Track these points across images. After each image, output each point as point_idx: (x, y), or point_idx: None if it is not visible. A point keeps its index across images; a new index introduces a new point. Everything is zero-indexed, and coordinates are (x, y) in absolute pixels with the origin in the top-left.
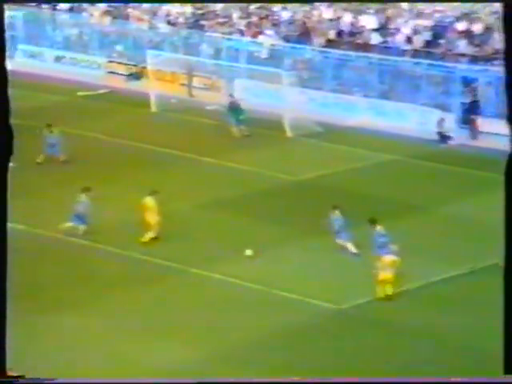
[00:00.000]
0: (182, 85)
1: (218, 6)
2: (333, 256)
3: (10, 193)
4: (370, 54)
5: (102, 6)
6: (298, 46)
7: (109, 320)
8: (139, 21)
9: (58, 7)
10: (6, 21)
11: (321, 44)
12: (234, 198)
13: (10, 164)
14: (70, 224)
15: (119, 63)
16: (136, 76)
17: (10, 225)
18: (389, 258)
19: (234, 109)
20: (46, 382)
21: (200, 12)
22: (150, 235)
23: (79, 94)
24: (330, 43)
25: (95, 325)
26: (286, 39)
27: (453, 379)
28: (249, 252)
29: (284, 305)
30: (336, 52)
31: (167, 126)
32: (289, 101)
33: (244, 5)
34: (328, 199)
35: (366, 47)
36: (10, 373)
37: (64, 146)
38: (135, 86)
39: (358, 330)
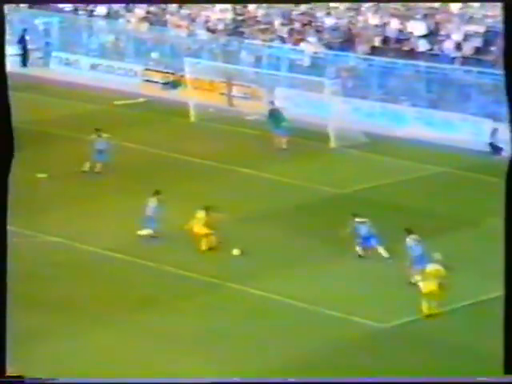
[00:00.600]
0: (222, 94)
1: (260, 12)
2: (377, 272)
3: (45, 204)
4: (417, 62)
5: (140, 12)
6: (342, 53)
7: (146, 335)
8: (177, 27)
9: (94, 13)
10: (42, 27)
11: (365, 51)
12: (275, 211)
13: (42, 175)
14: (148, 231)
15: (156, 71)
16: (173, 84)
17: (47, 238)
18: (431, 268)
19: (275, 116)
20: (46, 382)
21: (240, 18)
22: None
23: (116, 102)
24: (375, 50)
25: (132, 340)
26: (329, 46)
27: (453, 379)
28: (236, 252)
29: (326, 322)
30: (382, 60)
31: (206, 137)
32: (332, 110)
33: (286, 11)
34: (373, 213)
35: (414, 54)
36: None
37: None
38: (173, 94)
39: (402, 348)
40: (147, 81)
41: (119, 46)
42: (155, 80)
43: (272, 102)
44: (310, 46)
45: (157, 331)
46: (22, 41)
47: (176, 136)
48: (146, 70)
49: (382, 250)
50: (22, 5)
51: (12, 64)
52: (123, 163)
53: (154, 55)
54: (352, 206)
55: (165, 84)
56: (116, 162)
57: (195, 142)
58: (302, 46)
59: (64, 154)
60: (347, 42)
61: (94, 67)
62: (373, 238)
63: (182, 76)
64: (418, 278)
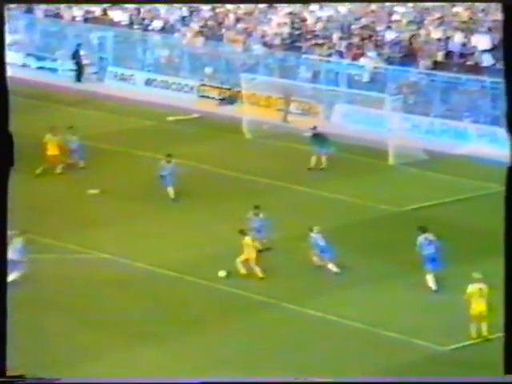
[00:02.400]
0: (279, 110)
1: (318, 26)
2: (439, 293)
3: (96, 221)
4: (481, 77)
5: (195, 26)
6: (403, 68)
7: (198, 355)
8: (233, 42)
9: (149, 27)
10: (96, 42)
11: (428, 66)
12: (331, 229)
13: (93, 191)
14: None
15: (212, 86)
16: (229, 100)
17: (99, 255)
18: (473, 288)
19: (318, 140)
20: (46, 382)
21: (298, 32)
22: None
23: (168, 118)
24: (437, 65)
25: (182, 359)
26: (390, 61)
27: (453, 379)
28: (222, 273)
29: (385, 344)
30: (444, 75)
31: (260, 153)
32: (392, 127)
33: (345, 25)
34: (431, 232)
35: (478, 69)
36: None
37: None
38: (228, 110)
39: (461, 373)
40: (203, 96)
41: (174, 60)
42: (211, 96)
43: (314, 128)
44: (370, 61)
45: (208, 350)
46: (76, 56)
47: (230, 153)
48: (202, 85)
49: (431, 279)
50: (77, 18)
51: (67, 79)
52: (175, 180)
53: (209, 70)
54: (412, 224)
55: (221, 100)
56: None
57: (249, 158)
58: (362, 60)
59: (116, 170)
60: (408, 56)
61: (148, 82)
62: (436, 261)
63: (238, 91)
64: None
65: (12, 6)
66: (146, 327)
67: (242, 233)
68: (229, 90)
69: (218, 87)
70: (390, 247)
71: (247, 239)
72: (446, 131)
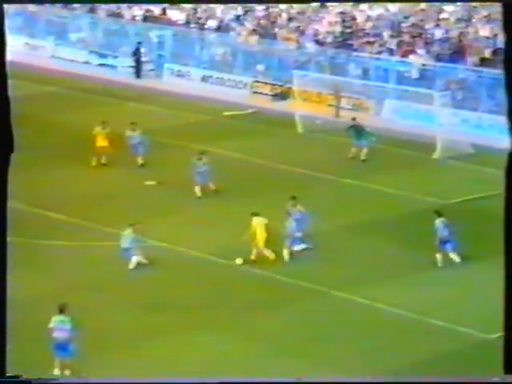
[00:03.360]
0: (330, 105)
1: (368, 25)
2: (483, 283)
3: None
4: None
5: (249, 25)
6: (451, 65)
7: (248, 339)
8: (286, 40)
9: (206, 26)
10: (155, 40)
11: (475, 63)
12: (378, 221)
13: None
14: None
15: (265, 83)
16: (282, 96)
17: (155, 243)
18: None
19: (356, 131)
20: (46, 381)
21: (349, 31)
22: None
23: (224, 113)
24: (485, 62)
25: (234, 343)
26: (438, 58)
27: (453, 379)
28: (239, 261)
29: (430, 332)
30: (491, 71)
31: (312, 147)
32: (440, 122)
33: (395, 23)
34: (478, 224)
35: None
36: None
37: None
38: (281, 106)
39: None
40: (256, 92)
41: (229, 58)
42: (264, 92)
43: (353, 119)
44: (419, 58)
45: (259, 335)
46: (136, 53)
47: (283, 147)
48: (255, 81)
49: (454, 256)
50: (137, 18)
51: (126, 75)
52: (230, 173)
53: (261, 67)
54: (458, 217)
55: (274, 96)
56: (223, 172)
57: (302, 152)
58: (411, 58)
59: (173, 163)
60: (457, 53)
61: (205, 79)
62: (450, 242)
63: (290, 88)
64: (438, 257)
65: (75, 5)
66: (200, 312)
67: (254, 214)
68: (281, 86)
69: (270, 83)
70: (435, 239)
71: (259, 220)
72: (493, 126)
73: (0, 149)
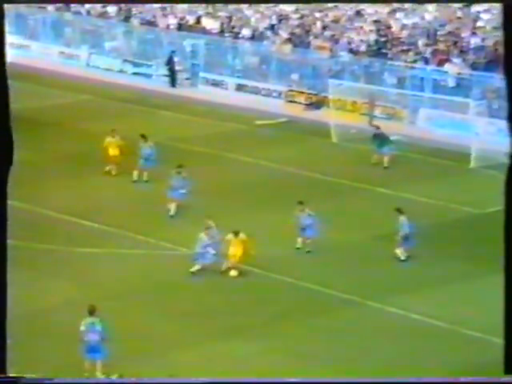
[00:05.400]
0: (363, 114)
1: (403, 33)
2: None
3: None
4: None
5: (283, 34)
6: (487, 73)
7: (279, 349)
8: (320, 49)
9: (240, 35)
10: (189, 49)
11: None
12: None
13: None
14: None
15: (299, 92)
16: (316, 105)
17: (185, 251)
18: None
19: (379, 139)
20: (46, 381)
21: (383, 39)
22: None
23: (257, 122)
24: None
25: (265, 353)
26: (474, 67)
27: (453, 379)
28: (233, 273)
29: (466, 342)
30: None
31: (346, 157)
32: (476, 131)
33: (431, 31)
34: None
35: None
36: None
37: (240, 174)
38: (315, 115)
39: None
40: (290, 101)
41: (263, 67)
42: (298, 101)
43: (378, 127)
44: (455, 67)
45: (290, 346)
46: (170, 62)
47: (317, 156)
48: (290, 90)
49: (403, 253)
50: (171, 26)
51: (161, 84)
52: (262, 182)
53: (295, 76)
54: (493, 226)
55: (308, 105)
56: (255, 181)
57: (336, 162)
58: (447, 66)
59: (207, 171)
60: (493, 62)
61: (239, 88)
62: (410, 239)
63: (324, 97)
64: (398, 252)
65: (110, 12)
66: (232, 321)
67: (235, 233)
68: (315, 95)
69: (304, 92)
70: (471, 248)
71: (242, 236)
72: None
73: (0, 154)
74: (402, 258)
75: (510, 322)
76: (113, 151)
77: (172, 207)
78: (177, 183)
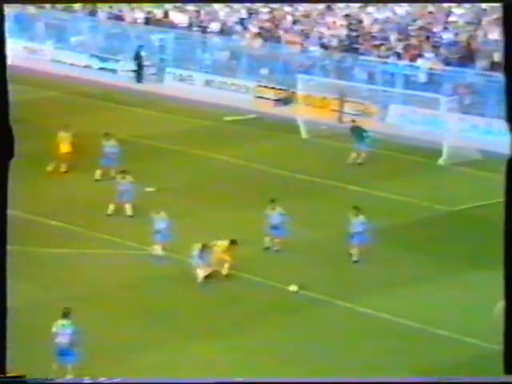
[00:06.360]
0: (334, 110)
1: (375, 28)
2: (488, 291)
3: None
4: None
5: (253, 28)
6: (460, 69)
7: (248, 349)
8: (291, 44)
9: (208, 29)
10: (157, 44)
11: (484, 67)
12: (383, 229)
13: (150, 189)
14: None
15: (268, 87)
16: (285, 101)
17: (151, 251)
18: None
19: (357, 133)
20: (45, 381)
21: (355, 34)
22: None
23: (225, 118)
24: (494, 66)
25: (235, 354)
26: (447, 62)
27: (453, 379)
28: (293, 287)
29: (438, 342)
30: (501, 76)
31: (316, 153)
32: (448, 128)
33: (402, 26)
34: (483, 231)
35: None
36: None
37: (208, 171)
38: (284, 111)
39: None
40: (259, 97)
41: (232, 62)
42: (267, 96)
43: (353, 121)
44: (427, 62)
45: (259, 346)
46: (137, 57)
47: (285, 152)
48: (259, 86)
49: (355, 252)
50: (138, 21)
51: (127, 80)
52: (231, 179)
53: (265, 71)
54: (464, 224)
55: (277, 100)
56: (224, 178)
57: (306, 158)
58: (419, 62)
59: (174, 169)
60: (465, 57)
61: (207, 83)
62: (363, 236)
63: (293, 92)
64: (353, 251)
65: (76, 6)
66: (200, 321)
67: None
68: (285, 90)
69: (273, 88)
70: (442, 246)
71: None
72: (502, 131)
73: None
74: (355, 258)
75: (510, 322)
76: (64, 148)
77: (127, 208)
78: (123, 187)
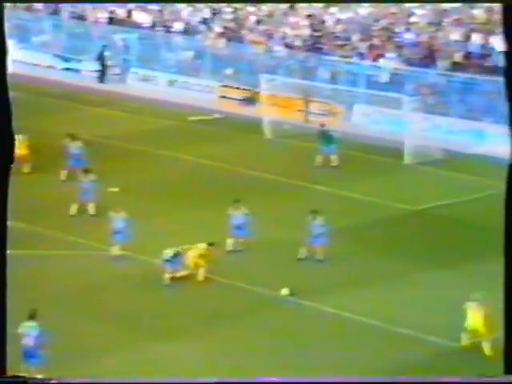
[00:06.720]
0: (299, 110)
1: (338, 28)
2: (451, 290)
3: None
4: (499, 78)
5: (217, 28)
6: (422, 69)
7: (212, 349)
8: (255, 43)
9: (172, 29)
10: (121, 43)
11: (446, 67)
12: (347, 228)
13: (113, 189)
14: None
15: (233, 87)
16: (250, 101)
17: (115, 251)
18: (471, 304)
19: (324, 137)
20: (46, 381)
21: (318, 34)
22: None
23: (190, 118)
24: (456, 66)
25: (200, 354)
26: (409, 62)
27: (453, 379)
28: (285, 291)
29: (399, 341)
30: (463, 76)
31: (281, 153)
32: (411, 127)
33: (365, 27)
34: (446, 230)
35: (496, 70)
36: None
37: (171, 171)
38: (249, 111)
39: (473, 369)
40: (223, 97)
41: (196, 62)
42: (232, 96)
43: (322, 125)
44: (389, 62)
45: (223, 346)
46: (101, 57)
47: (250, 152)
48: (223, 86)
49: (320, 252)
50: (102, 20)
51: (91, 80)
52: (196, 179)
53: (230, 71)
54: (426, 223)
55: (241, 100)
56: (188, 178)
57: (270, 158)
58: (381, 62)
59: (138, 169)
60: (427, 57)
61: (171, 83)
62: (322, 237)
63: (258, 92)
64: (302, 251)
65: (38, 7)
66: (164, 322)
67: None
68: (249, 90)
69: (238, 88)
70: (405, 245)
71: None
72: (464, 131)
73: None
74: (301, 257)
75: (510, 322)
76: (21, 150)
77: (90, 208)
78: (85, 186)
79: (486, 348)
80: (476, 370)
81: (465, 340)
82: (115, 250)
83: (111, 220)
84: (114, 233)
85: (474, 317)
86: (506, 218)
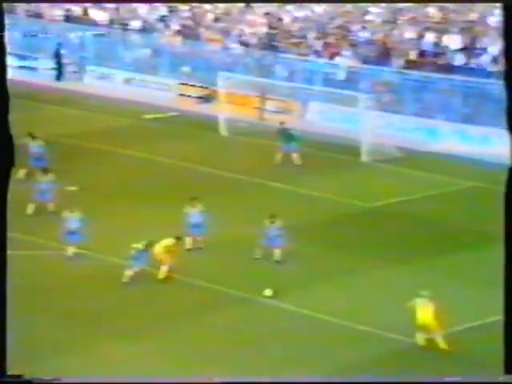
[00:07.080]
0: (255, 108)
1: (294, 26)
2: (410, 287)
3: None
4: (453, 76)
5: (174, 26)
6: (377, 67)
7: (169, 351)
8: (211, 41)
9: (129, 27)
10: (77, 41)
11: (401, 65)
12: (304, 225)
13: (72, 188)
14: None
15: (189, 85)
16: (206, 99)
17: (72, 250)
18: (420, 301)
19: (285, 135)
20: (46, 381)
21: (274, 32)
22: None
23: (146, 116)
24: (410, 64)
25: (157, 353)
26: (364, 60)
27: (453, 379)
28: (268, 292)
29: (356, 337)
30: (417, 74)
31: (237, 151)
32: (366, 125)
33: (321, 24)
34: (403, 227)
35: (450, 68)
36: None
37: (129, 169)
38: (205, 109)
39: (435, 363)
40: (181, 95)
41: (154, 60)
42: (189, 94)
43: (282, 123)
44: (345, 60)
45: (180, 347)
46: (57, 55)
47: (207, 150)
48: (180, 84)
49: (277, 254)
50: (58, 18)
51: (47, 78)
52: (152, 177)
53: (187, 69)
54: (383, 220)
55: (199, 98)
56: (145, 176)
57: (226, 156)
58: (337, 60)
59: (95, 168)
60: (382, 55)
61: (128, 81)
62: (279, 239)
63: (215, 90)
64: (258, 251)
65: None
66: (119, 322)
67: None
68: (206, 88)
69: (195, 86)
70: (363, 242)
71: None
72: (418, 129)
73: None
74: (257, 257)
75: (510, 322)
76: None
77: (49, 206)
78: (44, 186)
79: (441, 342)
80: (436, 366)
81: (421, 340)
82: (70, 251)
83: (65, 220)
84: (67, 233)
85: (423, 312)
86: (506, 218)
